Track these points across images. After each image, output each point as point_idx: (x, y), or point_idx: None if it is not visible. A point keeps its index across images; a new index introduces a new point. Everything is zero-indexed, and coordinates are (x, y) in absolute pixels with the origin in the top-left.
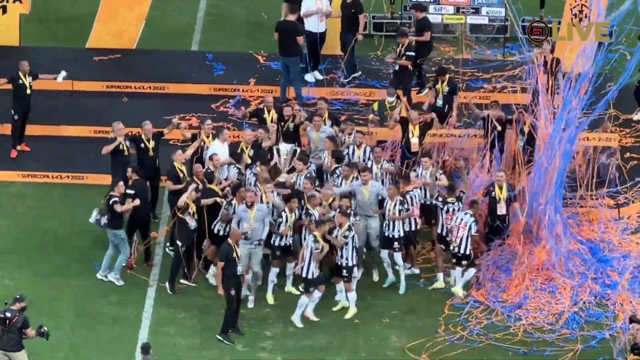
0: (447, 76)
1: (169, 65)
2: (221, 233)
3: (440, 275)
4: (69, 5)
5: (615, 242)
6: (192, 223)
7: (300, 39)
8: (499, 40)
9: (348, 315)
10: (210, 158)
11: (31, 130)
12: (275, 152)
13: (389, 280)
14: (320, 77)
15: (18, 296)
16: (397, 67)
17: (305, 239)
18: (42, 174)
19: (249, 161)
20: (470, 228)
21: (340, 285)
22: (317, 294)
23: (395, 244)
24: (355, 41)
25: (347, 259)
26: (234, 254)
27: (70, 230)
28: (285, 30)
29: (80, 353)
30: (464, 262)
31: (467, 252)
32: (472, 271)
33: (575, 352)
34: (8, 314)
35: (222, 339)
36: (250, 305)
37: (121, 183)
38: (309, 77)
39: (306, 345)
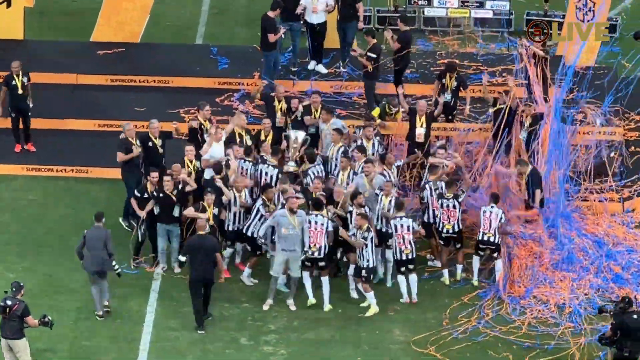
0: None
1: (173, 59)
2: (255, 234)
3: (446, 272)
4: None
5: (621, 236)
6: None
7: (272, 37)
8: (503, 34)
9: (369, 313)
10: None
11: (35, 124)
12: (284, 139)
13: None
14: (324, 70)
15: (15, 286)
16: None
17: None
18: (46, 167)
19: (249, 144)
20: (500, 219)
21: (360, 285)
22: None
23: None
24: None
25: (367, 260)
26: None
27: (74, 224)
28: (261, 25)
29: (83, 346)
30: (495, 254)
31: (498, 241)
32: (499, 262)
33: (579, 346)
34: (9, 302)
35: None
36: (292, 308)
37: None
38: (312, 66)
39: (309, 338)
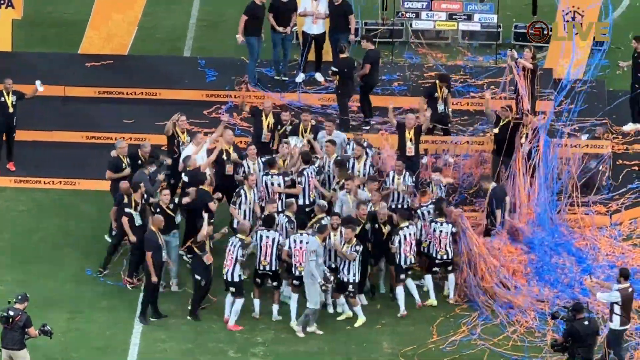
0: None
1: (161, 71)
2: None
3: (432, 294)
4: (62, 11)
5: (605, 250)
6: (208, 261)
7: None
8: (491, 47)
9: (358, 324)
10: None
11: (23, 135)
12: (283, 145)
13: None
14: (321, 79)
15: (21, 296)
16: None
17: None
18: (34, 179)
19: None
20: (451, 234)
21: (341, 300)
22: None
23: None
24: (349, 43)
25: (354, 274)
26: (160, 241)
27: (63, 235)
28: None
29: (72, 357)
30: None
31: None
32: (452, 276)
33: None
34: (11, 313)
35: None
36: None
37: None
38: (300, 78)
39: (298, 350)
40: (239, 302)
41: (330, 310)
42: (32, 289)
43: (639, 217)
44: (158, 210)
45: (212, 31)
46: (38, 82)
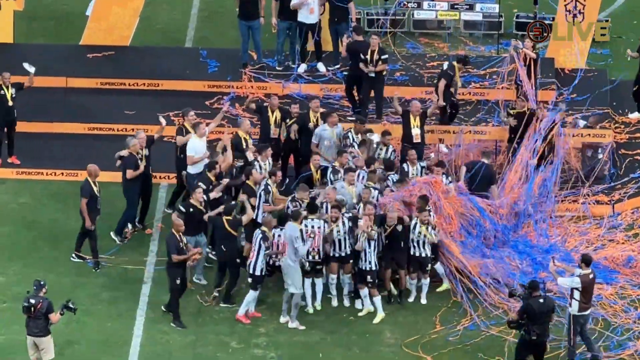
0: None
1: (162, 62)
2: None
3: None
4: (63, 2)
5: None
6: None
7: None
8: (493, 37)
9: (377, 320)
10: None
11: (25, 127)
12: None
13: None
14: (324, 69)
15: (38, 284)
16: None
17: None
18: (35, 170)
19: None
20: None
21: (364, 291)
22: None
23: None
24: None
25: (370, 262)
26: (181, 244)
27: (64, 227)
28: None
29: (74, 349)
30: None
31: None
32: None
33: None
34: (32, 301)
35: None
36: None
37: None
38: (302, 69)
39: (300, 341)
40: (252, 294)
41: (359, 305)
42: (33, 281)
43: None
44: (191, 209)
45: (214, 22)
46: (26, 65)
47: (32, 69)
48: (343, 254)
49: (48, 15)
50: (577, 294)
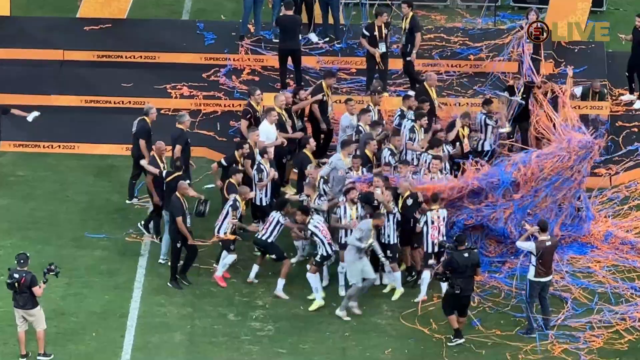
0: None
1: (159, 35)
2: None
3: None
4: None
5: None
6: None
7: None
8: (490, 9)
9: (395, 297)
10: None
11: (22, 99)
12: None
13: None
14: (316, 39)
15: (22, 258)
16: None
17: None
18: (33, 143)
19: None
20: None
21: (387, 267)
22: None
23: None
24: (342, 4)
25: (388, 236)
26: (185, 208)
27: (61, 199)
28: None
29: (70, 321)
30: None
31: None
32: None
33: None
34: (16, 276)
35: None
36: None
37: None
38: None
39: (297, 314)
40: (226, 255)
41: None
42: (30, 254)
43: (637, 178)
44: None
45: None
46: (32, 115)
47: (30, 119)
48: None
49: None
50: (533, 259)
